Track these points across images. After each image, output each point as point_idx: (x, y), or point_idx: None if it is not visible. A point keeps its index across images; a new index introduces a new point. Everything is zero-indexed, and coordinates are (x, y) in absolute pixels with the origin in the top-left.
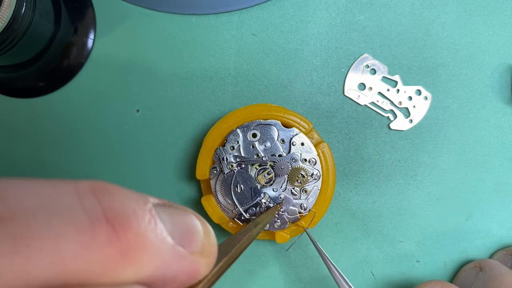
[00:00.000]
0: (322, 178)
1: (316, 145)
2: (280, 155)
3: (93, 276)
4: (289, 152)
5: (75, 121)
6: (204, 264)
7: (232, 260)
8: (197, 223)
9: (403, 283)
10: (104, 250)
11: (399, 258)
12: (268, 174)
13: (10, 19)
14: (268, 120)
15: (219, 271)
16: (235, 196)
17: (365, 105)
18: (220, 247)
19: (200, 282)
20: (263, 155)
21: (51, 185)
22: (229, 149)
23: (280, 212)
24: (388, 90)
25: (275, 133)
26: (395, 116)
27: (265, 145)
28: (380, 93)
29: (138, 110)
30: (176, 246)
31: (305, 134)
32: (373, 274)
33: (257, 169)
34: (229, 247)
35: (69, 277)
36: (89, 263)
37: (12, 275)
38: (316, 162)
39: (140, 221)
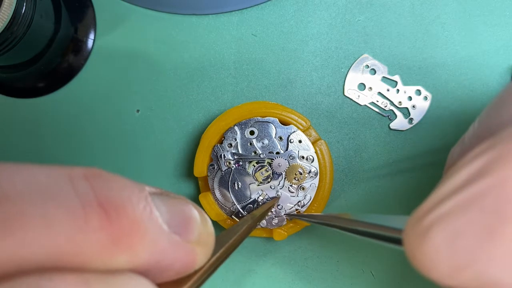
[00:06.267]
0: (319, 175)
1: (313, 143)
2: (277, 153)
3: (85, 260)
4: (286, 150)
5: (75, 121)
6: (200, 254)
7: (229, 251)
8: (194, 212)
9: (403, 283)
10: (97, 235)
11: (399, 257)
12: (266, 171)
13: (10, 19)
14: (266, 118)
15: (216, 262)
16: (232, 194)
17: (365, 105)
18: (217, 238)
19: (196, 272)
20: (260, 152)
21: (45, 170)
22: (227, 147)
23: (277, 209)
24: (388, 90)
25: (272, 130)
26: (395, 116)
27: (262, 143)
28: (380, 93)
29: (138, 110)
30: (172, 234)
31: (303, 131)
32: (373, 274)
33: (254, 166)
34: (226, 239)
35: (61, 259)
36: (81, 246)
37: (4, 255)
38: (313, 160)
39: (135, 207)
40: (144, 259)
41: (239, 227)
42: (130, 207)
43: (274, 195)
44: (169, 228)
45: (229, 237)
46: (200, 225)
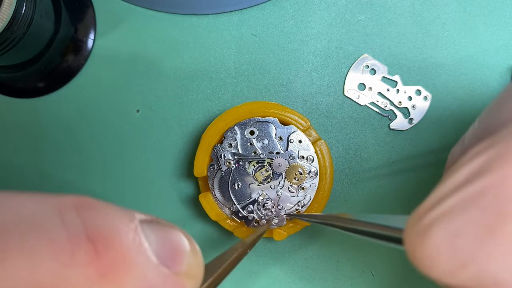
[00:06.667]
0: (319, 175)
1: (313, 143)
2: (277, 153)
3: None
4: (286, 150)
5: (75, 121)
6: (189, 286)
7: (218, 281)
8: (185, 242)
9: (403, 283)
10: (83, 269)
11: (400, 257)
12: (266, 171)
13: (10, 19)
14: (266, 118)
15: None
16: (232, 194)
17: (365, 105)
18: (206, 267)
19: None
20: (260, 152)
21: (32, 200)
22: (227, 147)
23: (277, 209)
24: (388, 90)
25: (272, 130)
26: (395, 116)
27: (262, 143)
28: (380, 93)
29: (138, 110)
30: (161, 266)
31: (303, 131)
32: (373, 274)
33: (254, 166)
34: (215, 268)
35: None
36: (66, 282)
37: None
38: (313, 160)
39: (124, 239)
40: None
41: (229, 255)
42: (118, 239)
43: (274, 195)
44: (158, 260)
45: (218, 266)
46: (190, 256)
